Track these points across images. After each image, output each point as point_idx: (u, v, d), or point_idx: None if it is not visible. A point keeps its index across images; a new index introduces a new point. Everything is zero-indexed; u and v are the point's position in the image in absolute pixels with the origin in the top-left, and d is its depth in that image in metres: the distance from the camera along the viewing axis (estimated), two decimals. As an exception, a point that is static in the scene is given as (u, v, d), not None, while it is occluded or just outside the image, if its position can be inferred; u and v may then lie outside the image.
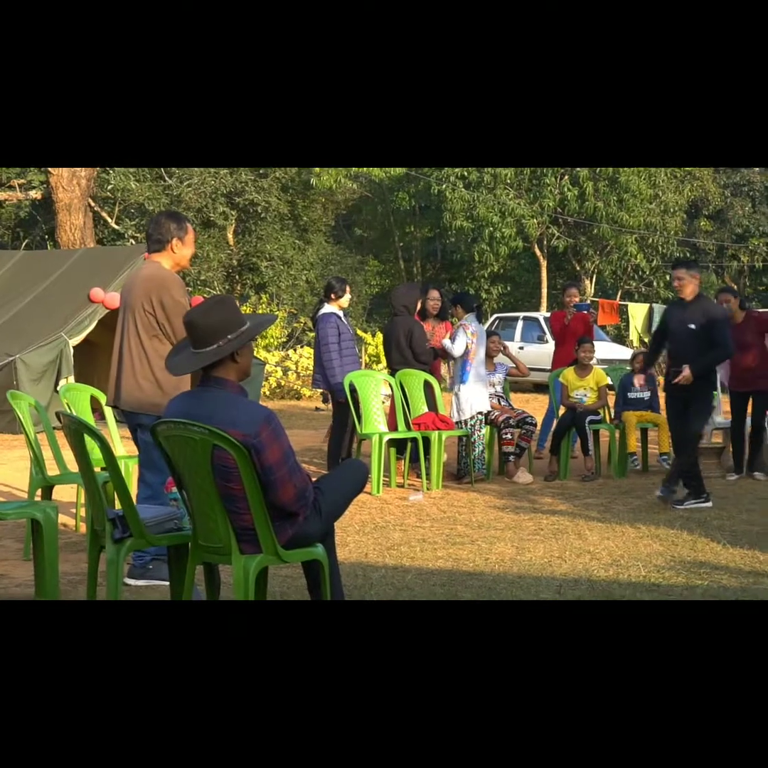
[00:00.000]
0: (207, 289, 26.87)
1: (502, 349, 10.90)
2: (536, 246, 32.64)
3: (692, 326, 8.41)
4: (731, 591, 5.86)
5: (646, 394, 10.53)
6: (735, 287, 38.05)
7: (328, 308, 9.78)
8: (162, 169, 26.77)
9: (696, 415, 8.50)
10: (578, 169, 29.96)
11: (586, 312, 12.16)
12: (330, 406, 10.32)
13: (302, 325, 27.09)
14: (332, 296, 9.81)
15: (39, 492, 6.98)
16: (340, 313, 9.84)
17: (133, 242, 25.15)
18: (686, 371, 8.24)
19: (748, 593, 5.80)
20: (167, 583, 5.30)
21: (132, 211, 27.71)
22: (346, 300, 9.90)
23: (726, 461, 10.51)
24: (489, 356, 10.41)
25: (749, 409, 10.33)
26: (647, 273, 33.75)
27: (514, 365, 11.07)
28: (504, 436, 10.14)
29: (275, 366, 20.81)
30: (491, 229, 30.67)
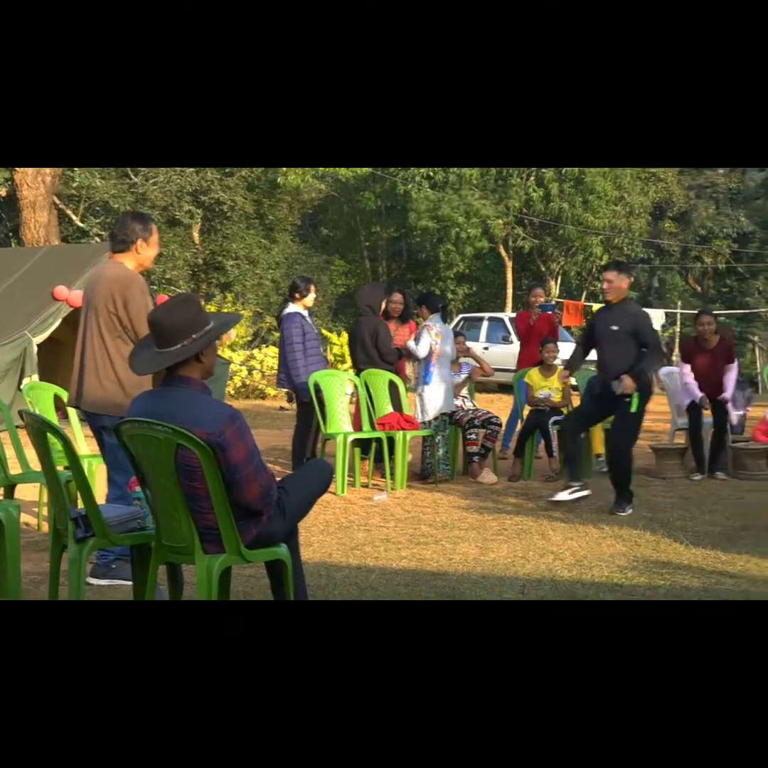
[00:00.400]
0: (172, 287, 26.72)
1: (466, 350, 10.94)
2: (502, 246, 32.75)
3: (614, 328, 8.36)
4: (693, 591, 5.89)
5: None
6: (699, 289, 38.28)
7: (292, 308, 9.78)
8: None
9: (622, 431, 8.40)
10: (544, 170, 30.08)
11: (551, 312, 12.24)
12: (295, 405, 10.30)
13: (268, 324, 26.97)
14: (297, 296, 9.82)
15: (1, 491, 6.94)
16: (305, 313, 9.84)
17: (98, 240, 24.98)
18: (627, 380, 8.08)
19: (710, 593, 5.83)
20: (130, 582, 5.27)
21: (97, 208, 27.52)
22: (310, 299, 9.90)
23: (689, 462, 10.58)
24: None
25: (709, 411, 10.46)
26: (612, 274, 33.84)
27: (478, 365, 11.08)
28: (468, 437, 10.17)
29: (240, 365, 20.76)
30: (457, 229, 30.73)
